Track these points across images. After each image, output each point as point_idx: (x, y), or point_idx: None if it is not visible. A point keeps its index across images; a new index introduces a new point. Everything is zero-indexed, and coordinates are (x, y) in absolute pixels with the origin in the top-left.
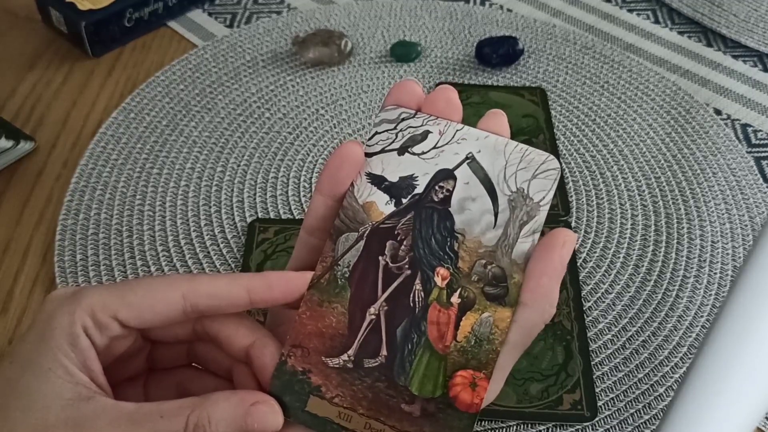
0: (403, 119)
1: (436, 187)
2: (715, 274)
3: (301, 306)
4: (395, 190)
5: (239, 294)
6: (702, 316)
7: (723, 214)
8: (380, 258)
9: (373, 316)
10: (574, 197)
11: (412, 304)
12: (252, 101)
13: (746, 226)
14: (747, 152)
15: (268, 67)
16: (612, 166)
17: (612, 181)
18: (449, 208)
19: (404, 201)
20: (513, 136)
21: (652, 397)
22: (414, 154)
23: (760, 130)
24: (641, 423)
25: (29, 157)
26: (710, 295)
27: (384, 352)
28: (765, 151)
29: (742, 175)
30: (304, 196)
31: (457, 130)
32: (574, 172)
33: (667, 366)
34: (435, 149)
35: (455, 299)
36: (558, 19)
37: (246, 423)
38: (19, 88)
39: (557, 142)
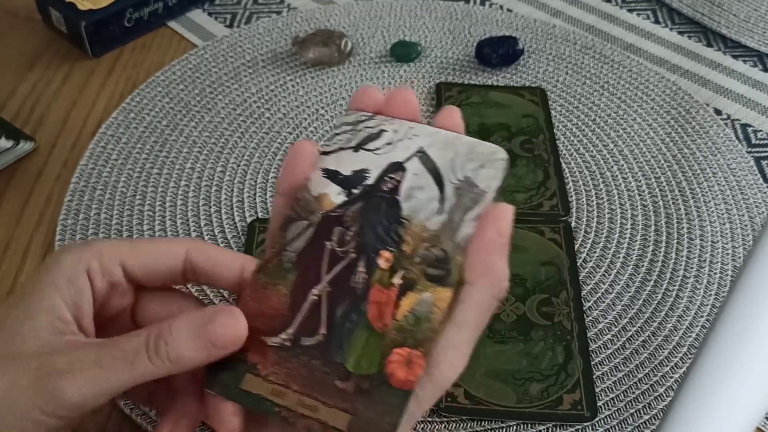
0: (361, 121)
1: (386, 178)
2: (715, 274)
3: (245, 289)
4: (348, 182)
5: (235, 268)
6: (702, 316)
7: (723, 214)
8: (327, 243)
9: (315, 297)
10: (574, 197)
11: (354, 285)
12: (252, 101)
13: (746, 226)
14: (747, 152)
15: (268, 67)
16: (612, 166)
17: (612, 181)
18: (397, 197)
19: (356, 192)
20: (513, 136)
21: (652, 397)
22: (368, 150)
23: (760, 130)
24: (641, 423)
25: (29, 157)
26: (710, 295)
27: (323, 330)
28: (765, 151)
29: (742, 175)
30: None
31: (410, 128)
32: (574, 172)
33: (667, 366)
34: (388, 145)
35: (397, 280)
36: (558, 19)
37: (207, 330)
38: (19, 88)
39: (557, 142)
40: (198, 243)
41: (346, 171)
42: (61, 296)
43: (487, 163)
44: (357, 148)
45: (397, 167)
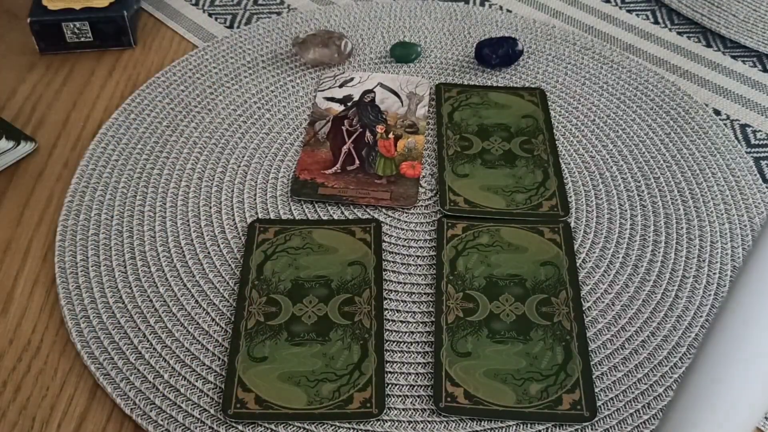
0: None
1: (365, 95)
2: (714, 274)
3: (301, 155)
4: (341, 101)
5: None
6: (701, 316)
7: (722, 214)
8: (342, 127)
9: (347, 150)
10: (574, 197)
11: (368, 141)
12: (252, 102)
13: (745, 226)
14: (746, 152)
15: (268, 67)
16: (611, 167)
17: (611, 181)
18: (375, 103)
19: (348, 104)
20: (512, 137)
21: (652, 397)
22: (347, 86)
23: (759, 131)
24: (641, 423)
25: (30, 158)
26: (709, 295)
27: (357, 162)
28: (764, 152)
29: (742, 176)
30: None
31: (369, 75)
32: (574, 172)
33: (666, 366)
34: (358, 83)
35: (391, 136)
36: (557, 19)
37: None
38: (20, 88)
39: (557, 142)
40: None
41: (339, 96)
42: None
43: (420, 83)
44: (341, 86)
45: (370, 90)
